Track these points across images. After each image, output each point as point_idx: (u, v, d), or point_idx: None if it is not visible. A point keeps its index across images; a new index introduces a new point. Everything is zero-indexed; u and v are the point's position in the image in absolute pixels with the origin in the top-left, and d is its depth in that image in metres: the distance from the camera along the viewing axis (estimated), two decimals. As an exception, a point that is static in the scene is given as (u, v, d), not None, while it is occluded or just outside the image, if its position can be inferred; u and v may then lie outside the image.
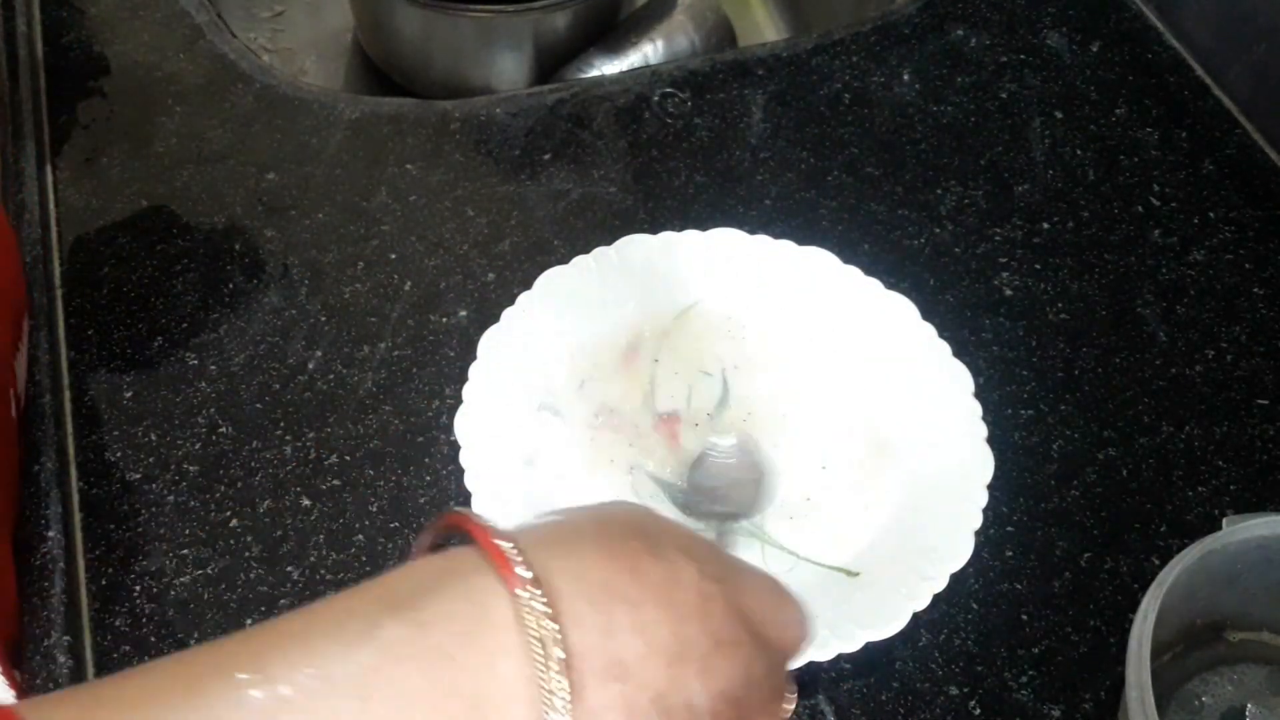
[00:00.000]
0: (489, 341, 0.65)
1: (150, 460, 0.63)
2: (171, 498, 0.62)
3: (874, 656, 0.57)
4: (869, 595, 0.58)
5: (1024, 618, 0.60)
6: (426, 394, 0.66)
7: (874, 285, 0.68)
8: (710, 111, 0.81)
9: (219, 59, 0.82)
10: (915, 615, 0.57)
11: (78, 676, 0.55)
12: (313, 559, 0.60)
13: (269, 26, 1.03)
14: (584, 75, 0.89)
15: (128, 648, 0.57)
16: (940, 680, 0.58)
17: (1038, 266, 0.73)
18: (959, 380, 0.65)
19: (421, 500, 0.62)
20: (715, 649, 0.36)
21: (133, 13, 0.85)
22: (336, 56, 1.01)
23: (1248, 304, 0.72)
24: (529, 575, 0.33)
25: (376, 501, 0.62)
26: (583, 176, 0.77)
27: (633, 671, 0.34)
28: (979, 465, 0.61)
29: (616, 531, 0.36)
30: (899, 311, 0.67)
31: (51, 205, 0.73)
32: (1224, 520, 0.55)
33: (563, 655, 0.32)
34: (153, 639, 0.57)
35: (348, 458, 0.63)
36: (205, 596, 0.58)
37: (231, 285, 0.70)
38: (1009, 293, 0.72)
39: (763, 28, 1.14)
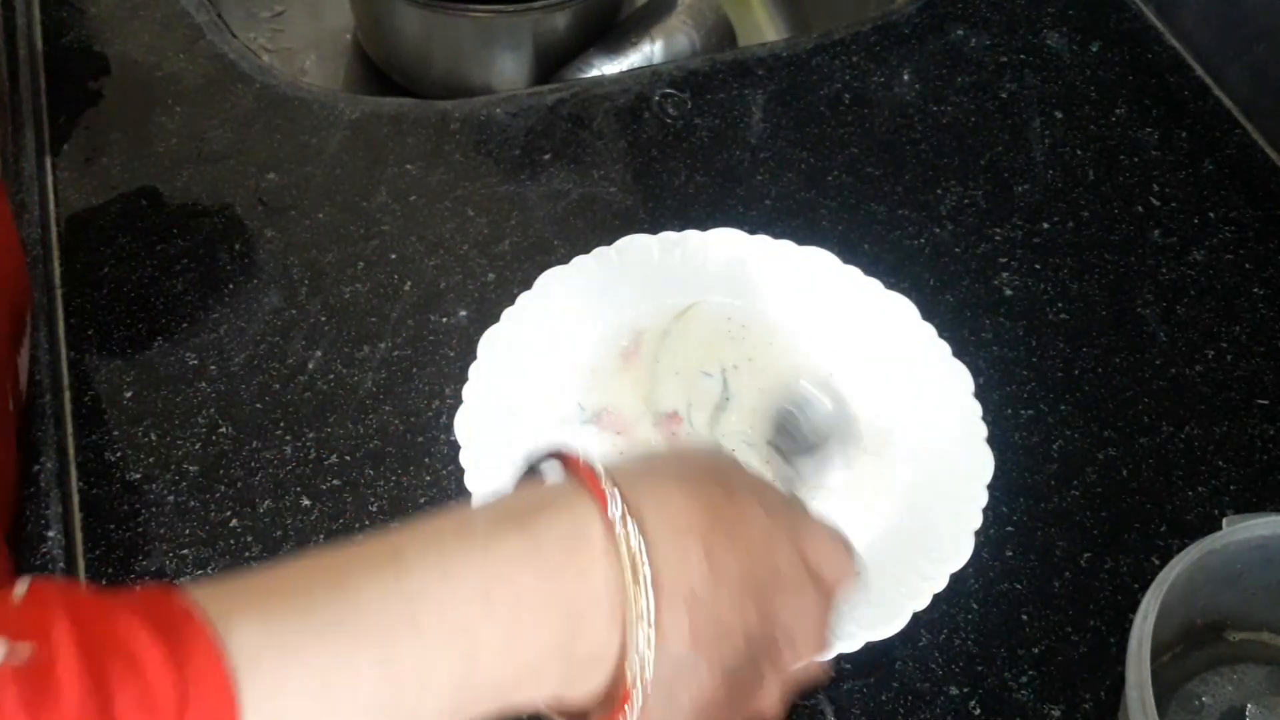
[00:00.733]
0: (489, 341, 0.65)
1: (150, 460, 0.63)
2: (171, 498, 0.62)
3: (874, 656, 0.57)
4: (869, 595, 0.57)
5: (1024, 618, 0.60)
6: (426, 394, 0.66)
7: (874, 285, 0.68)
8: (710, 111, 0.81)
9: (219, 59, 0.82)
10: (915, 615, 0.57)
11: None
12: (313, 559, 0.60)
13: (269, 26, 1.03)
14: (584, 75, 0.89)
15: (128, 648, 0.57)
16: (940, 680, 0.58)
17: (1038, 266, 0.73)
18: (959, 380, 0.65)
19: (421, 500, 0.62)
20: (774, 583, 0.41)
21: (133, 13, 0.85)
22: (336, 56, 1.01)
23: (1248, 304, 0.72)
24: (622, 507, 0.38)
25: (376, 501, 0.62)
26: (583, 176, 0.77)
27: (700, 597, 0.38)
28: (979, 465, 0.61)
29: (698, 474, 0.41)
30: (899, 311, 0.67)
31: (51, 205, 0.73)
32: (1224, 520, 0.55)
33: (649, 574, 0.37)
34: (153, 639, 0.57)
35: (348, 458, 0.63)
36: (205, 596, 0.58)
37: (231, 285, 0.70)
38: (1009, 293, 0.72)
39: (763, 28, 1.14)
